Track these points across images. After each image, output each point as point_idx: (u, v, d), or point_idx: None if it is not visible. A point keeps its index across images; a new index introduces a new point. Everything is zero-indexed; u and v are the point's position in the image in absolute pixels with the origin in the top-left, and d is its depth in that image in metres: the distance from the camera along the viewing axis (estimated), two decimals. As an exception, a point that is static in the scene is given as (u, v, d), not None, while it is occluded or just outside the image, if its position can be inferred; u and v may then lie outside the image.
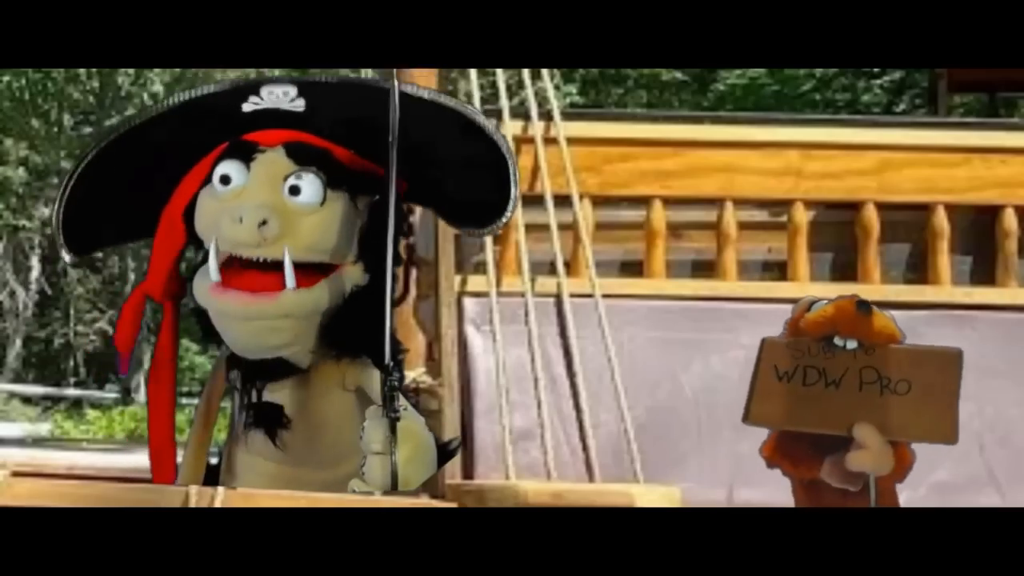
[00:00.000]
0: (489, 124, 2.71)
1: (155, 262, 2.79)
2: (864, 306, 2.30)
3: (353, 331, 2.73)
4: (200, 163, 2.74)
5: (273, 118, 2.69)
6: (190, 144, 2.75)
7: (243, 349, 2.71)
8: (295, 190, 2.66)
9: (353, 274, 2.71)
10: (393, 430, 2.46)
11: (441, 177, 2.80)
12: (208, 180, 2.71)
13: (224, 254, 2.64)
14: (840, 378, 2.26)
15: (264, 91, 2.68)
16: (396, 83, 2.62)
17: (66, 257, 2.90)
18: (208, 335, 2.79)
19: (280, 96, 2.68)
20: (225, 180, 2.68)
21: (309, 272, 2.64)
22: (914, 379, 2.27)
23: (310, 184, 2.66)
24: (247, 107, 2.69)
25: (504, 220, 2.77)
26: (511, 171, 2.70)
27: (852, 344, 2.28)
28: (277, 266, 2.62)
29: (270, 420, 2.71)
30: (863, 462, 2.19)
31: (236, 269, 2.64)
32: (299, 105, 2.69)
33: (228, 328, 2.69)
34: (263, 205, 2.61)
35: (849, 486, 2.21)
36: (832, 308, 2.30)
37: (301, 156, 2.68)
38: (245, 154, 2.69)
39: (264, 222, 2.59)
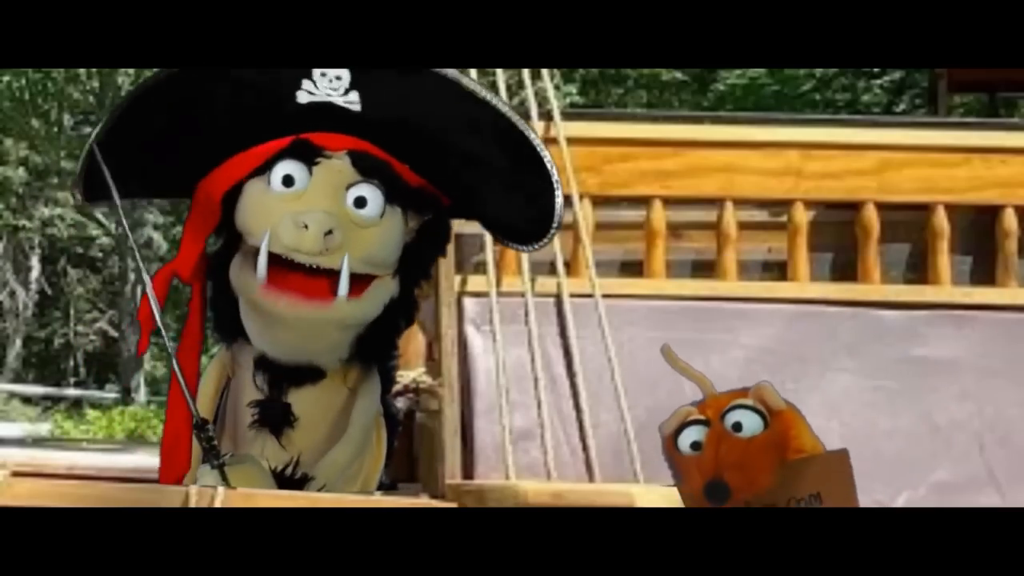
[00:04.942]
0: (542, 148, 2.69)
1: (187, 242, 2.76)
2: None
3: (383, 342, 2.75)
4: (252, 151, 2.69)
5: (329, 115, 2.67)
6: (240, 122, 2.70)
7: (282, 352, 2.69)
8: (361, 202, 2.64)
9: (390, 286, 2.71)
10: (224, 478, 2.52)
11: (485, 192, 2.79)
12: (260, 172, 2.67)
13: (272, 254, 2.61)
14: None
15: (316, 74, 2.65)
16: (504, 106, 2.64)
17: (77, 196, 2.84)
18: (223, 328, 2.77)
19: (333, 81, 2.65)
20: (288, 181, 2.65)
21: (354, 282, 2.63)
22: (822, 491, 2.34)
23: (375, 197, 2.65)
24: (303, 97, 2.67)
25: (540, 245, 2.79)
26: (556, 199, 2.69)
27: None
28: (326, 272, 2.60)
29: (277, 419, 2.70)
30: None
31: (281, 269, 2.62)
32: (353, 100, 2.66)
33: (274, 329, 2.67)
34: (330, 214, 2.59)
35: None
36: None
37: (366, 167, 2.66)
38: (308, 156, 2.66)
39: (330, 232, 2.58)
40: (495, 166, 2.73)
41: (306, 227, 2.57)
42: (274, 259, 2.61)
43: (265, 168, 2.67)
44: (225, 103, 2.71)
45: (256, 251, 2.62)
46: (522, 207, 2.76)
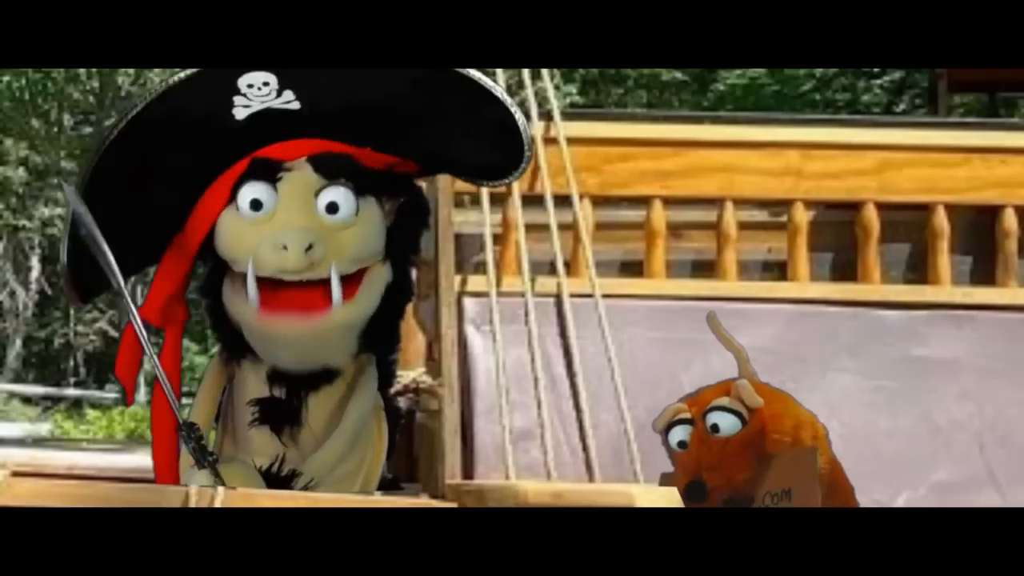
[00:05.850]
0: (486, 80, 2.66)
1: (157, 287, 2.73)
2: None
3: (386, 329, 2.74)
4: (214, 186, 2.66)
5: (274, 122, 2.64)
6: (189, 161, 2.67)
7: (294, 365, 2.68)
8: (333, 207, 2.61)
9: (383, 273, 2.69)
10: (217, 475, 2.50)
11: (449, 143, 2.76)
12: (229, 201, 2.65)
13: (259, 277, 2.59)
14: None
15: (243, 86, 2.61)
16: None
17: (73, 306, 2.83)
18: (231, 348, 2.74)
19: (262, 88, 2.61)
20: (256, 205, 2.62)
21: (346, 281, 2.62)
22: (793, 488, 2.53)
23: (345, 199, 2.61)
24: (240, 113, 2.63)
25: (519, 172, 2.74)
26: (519, 123, 2.65)
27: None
28: (317, 282, 2.59)
29: (280, 417, 2.69)
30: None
31: (270, 289, 2.60)
32: (290, 99, 2.63)
33: (278, 347, 2.65)
34: (305, 229, 2.56)
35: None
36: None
37: (329, 169, 2.62)
38: (269, 175, 2.62)
39: (310, 246, 2.56)
40: (449, 114, 2.70)
41: (285, 248, 2.55)
42: (263, 281, 2.59)
43: (234, 198, 2.64)
44: (170, 148, 2.65)
45: (243, 276, 2.61)
46: (489, 143, 2.72)
